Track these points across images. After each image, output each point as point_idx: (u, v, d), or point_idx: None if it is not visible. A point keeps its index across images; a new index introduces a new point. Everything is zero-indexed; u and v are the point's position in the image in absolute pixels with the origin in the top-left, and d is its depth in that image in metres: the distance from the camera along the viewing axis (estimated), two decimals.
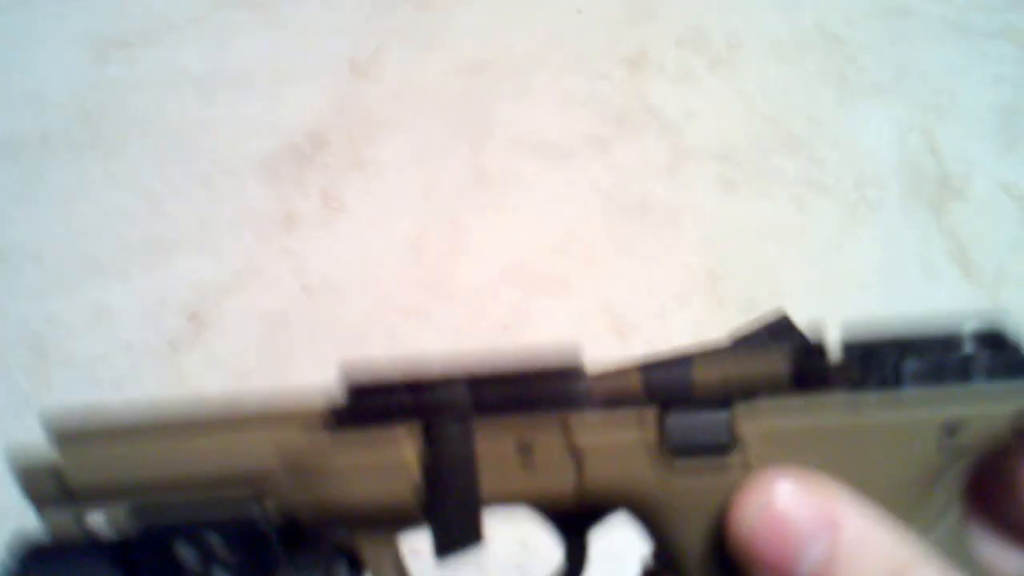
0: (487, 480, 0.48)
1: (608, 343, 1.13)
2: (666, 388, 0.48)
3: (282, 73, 1.29)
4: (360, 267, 1.16)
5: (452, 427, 0.48)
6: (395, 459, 0.49)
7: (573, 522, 0.52)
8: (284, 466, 0.50)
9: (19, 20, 1.32)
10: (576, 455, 0.48)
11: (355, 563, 0.53)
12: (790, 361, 0.48)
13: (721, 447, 0.46)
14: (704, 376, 0.48)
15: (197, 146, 1.23)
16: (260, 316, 1.12)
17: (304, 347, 1.10)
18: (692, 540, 0.49)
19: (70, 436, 0.53)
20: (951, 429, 0.45)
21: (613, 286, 1.16)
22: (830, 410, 0.46)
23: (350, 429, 0.49)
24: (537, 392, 0.49)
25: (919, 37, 1.38)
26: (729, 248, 1.19)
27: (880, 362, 0.46)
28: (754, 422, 0.46)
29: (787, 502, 0.44)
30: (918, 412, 0.46)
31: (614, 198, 1.23)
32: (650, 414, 0.47)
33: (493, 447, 0.48)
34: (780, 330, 0.57)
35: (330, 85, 1.29)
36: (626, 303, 1.14)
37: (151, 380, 1.06)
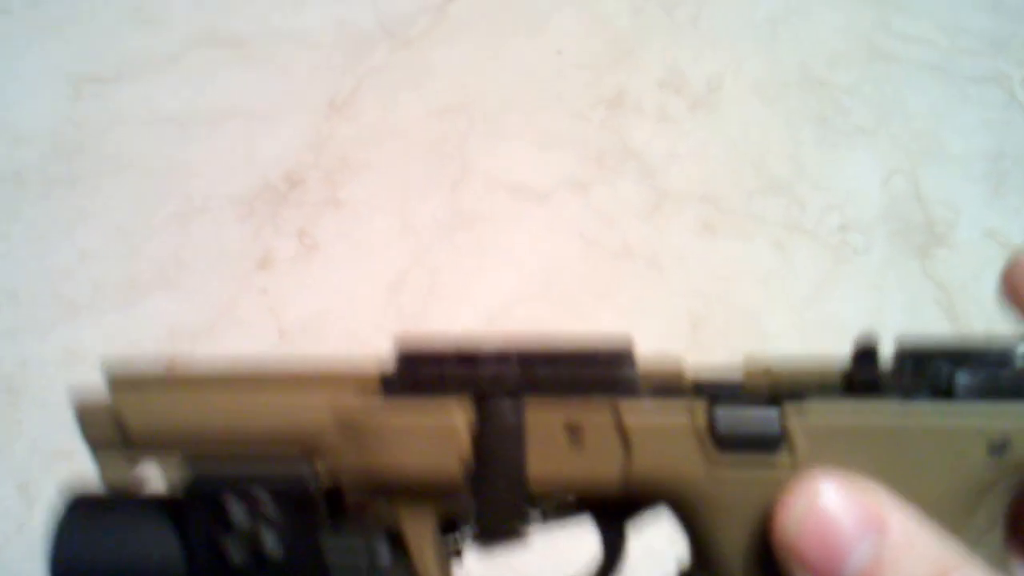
0: (534, 458, 0.49)
1: None
2: (715, 384, 0.49)
3: (259, 112, 1.28)
4: (337, 309, 1.15)
5: (504, 401, 0.49)
6: (447, 429, 0.49)
7: (613, 513, 0.53)
8: (337, 427, 0.50)
9: None
10: (625, 438, 0.48)
11: (396, 540, 0.53)
12: (842, 367, 0.48)
13: (769, 442, 0.47)
14: (753, 377, 0.49)
15: (173, 184, 1.22)
16: (234, 360, 1.10)
17: None
18: (734, 538, 0.48)
19: (129, 383, 0.54)
20: (1000, 445, 0.45)
21: (593, 333, 1.14)
22: (880, 414, 0.46)
23: (404, 396, 0.49)
24: (589, 374, 0.49)
25: (903, 80, 1.37)
26: (710, 293, 1.18)
27: (934, 373, 0.46)
28: (803, 421, 0.46)
29: (833, 503, 0.44)
30: (968, 423, 0.45)
31: (594, 241, 1.22)
32: (700, 404, 0.47)
33: (543, 425, 0.48)
34: None
35: (307, 124, 1.28)
36: None
37: None
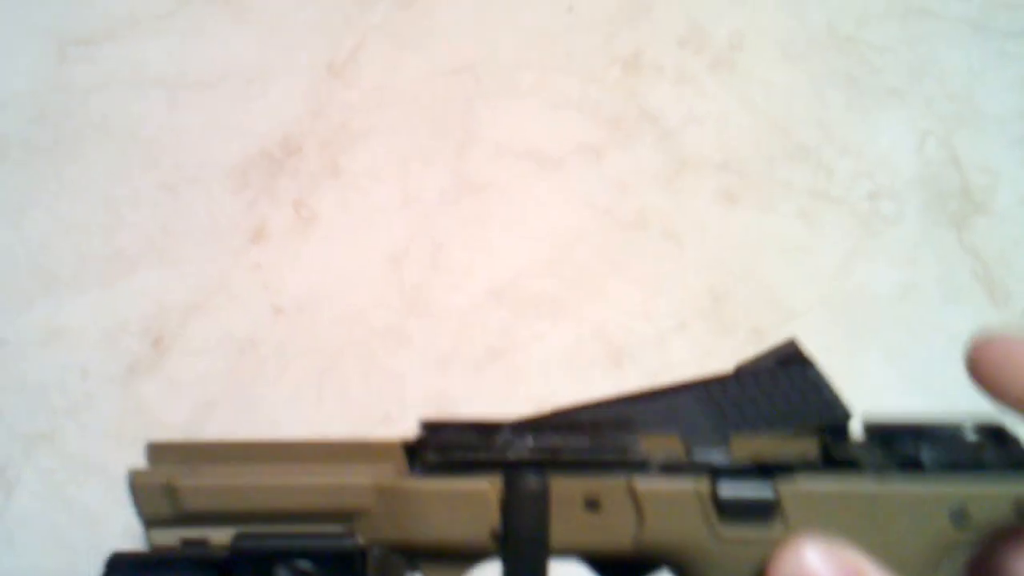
0: (556, 525, 0.53)
1: (604, 372, 1.08)
2: (708, 460, 0.54)
3: (253, 74, 1.23)
4: (335, 285, 1.11)
5: (531, 479, 0.53)
6: (479, 498, 0.54)
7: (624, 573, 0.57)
8: (377, 500, 0.55)
9: None
10: (639, 507, 0.53)
11: None
12: (819, 443, 0.53)
13: (765, 509, 0.51)
14: (741, 453, 0.54)
15: (162, 151, 1.17)
16: (227, 339, 1.07)
17: (274, 373, 1.04)
18: None
19: (180, 461, 0.59)
20: (960, 512, 0.51)
21: (608, 309, 1.12)
22: (858, 484, 0.51)
23: (441, 475, 0.55)
24: (605, 451, 0.54)
25: (936, 38, 1.31)
26: (732, 267, 1.14)
27: (901, 447, 0.52)
28: (793, 490, 0.52)
29: (816, 562, 0.48)
30: (933, 493, 0.51)
31: (608, 211, 1.17)
32: (704, 477, 0.53)
33: (564, 495, 0.53)
34: (789, 359, 0.69)
35: (304, 87, 1.23)
36: (622, 328, 1.10)
37: (108, 408, 1.02)
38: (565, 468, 0.54)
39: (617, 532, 0.54)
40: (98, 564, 0.90)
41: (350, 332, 1.08)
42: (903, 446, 0.52)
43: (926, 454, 0.52)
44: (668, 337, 1.09)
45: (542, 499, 0.54)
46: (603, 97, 1.25)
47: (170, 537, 0.59)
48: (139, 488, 0.59)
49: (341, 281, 1.11)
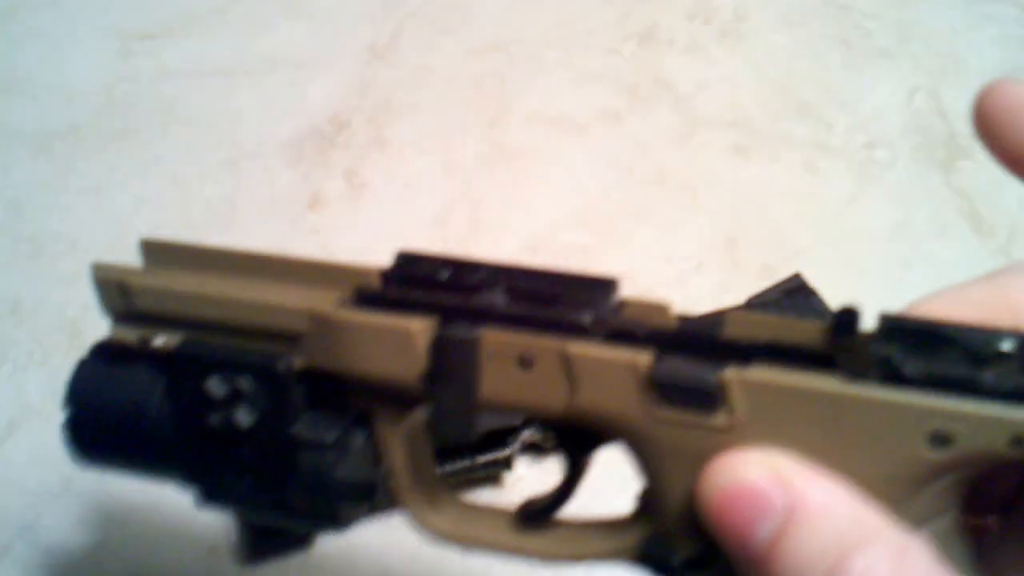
0: (487, 382, 0.53)
1: None
2: (692, 335, 0.50)
3: (303, 60, 1.33)
4: (386, 245, 1.16)
5: (460, 328, 0.53)
6: (407, 346, 0.54)
7: (578, 441, 0.57)
8: (313, 330, 0.56)
9: (47, 20, 1.36)
10: (570, 372, 0.51)
11: (371, 435, 0.60)
12: (826, 333, 0.47)
13: (706, 398, 0.48)
14: (733, 333, 0.49)
15: (223, 133, 1.26)
16: None
17: None
18: (674, 486, 0.50)
19: (159, 257, 0.63)
20: (943, 437, 0.44)
21: (633, 254, 1.18)
22: (822, 382, 0.46)
23: (376, 308, 0.55)
24: (548, 314, 0.52)
25: (922, 2, 1.42)
26: (744, 213, 1.22)
27: (886, 356, 0.45)
28: (743, 379, 0.47)
29: (753, 474, 0.45)
30: (909, 405, 0.45)
31: (630, 169, 1.26)
32: (647, 352, 0.50)
33: (497, 351, 0.52)
34: (795, 291, 0.65)
35: (350, 70, 1.32)
36: (646, 270, 1.16)
37: None
38: (501, 322, 0.53)
39: (548, 395, 0.52)
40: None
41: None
42: (909, 349, 0.45)
43: (914, 362, 0.45)
44: (687, 277, 1.16)
45: (470, 349, 0.53)
46: (621, 68, 1.35)
47: (131, 334, 0.63)
48: (98, 281, 0.63)
49: (392, 241, 1.15)
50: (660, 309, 0.52)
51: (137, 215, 1.19)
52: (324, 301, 0.56)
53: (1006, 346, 0.43)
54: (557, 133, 1.29)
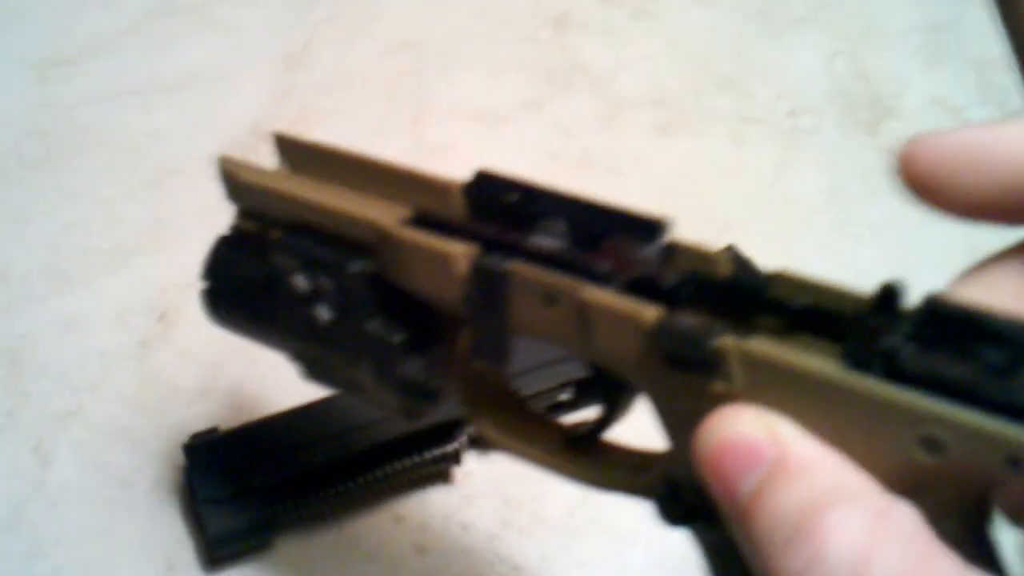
0: (517, 312, 0.56)
1: None
2: (733, 288, 0.51)
3: (219, 73, 1.32)
4: None
5: (491, 259, 0.56)
6: (450, 269, 0.58)
7: (613, 382, 0.60)
8: (379, 242, 0.61)
9: None
10: (584, 317, 0.53)
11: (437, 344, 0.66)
12: (864, 310, 0.46)
13: (704, 361, 0.47)
14: (776, 292, 0.49)
15: (144, 152, 1.25)
16: None
17: None
18: (678, 443, 0.52)
19: (286, 154, 0.73)
20: (932, 444, 0.41)
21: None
22: (822, 365, 0.44)
23: (430, 230, 0.60)
24: (579, 259, 0.54)
25: None
26: (673, 190, 1.22)
27: (890, 348, 0.43)
28: (743, 349, 0.47)
29: (743, 428, 0.45)
30: (898, 409, 0.42)
31: (556, 155, 1.25)
32: (657, 309, 0.50)
33: (527, 286, 0.55)
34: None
35: (267, 79, 1.31)
36: None
37: (126, 380, 1.08)
38: (532, 258, 0.55)
39: (569, 335, 0.54)
40: (131, 518, 0.99)
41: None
42: (936, 339, 0.42)
43: (920, 358, 0.42)
44: None
45: (502, 280, 0.55)
46: (539, 56, 1.35)
47: (250, 225, 0.72)
48: (219, 174, 0.74)
49: None
50: (709, 257, 0.53)
51: (65, 240, 1.18)
52: (390, 216, 0.61)
53: None
54: (479, 125, 1.28)
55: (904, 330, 0.43)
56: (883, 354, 0.43)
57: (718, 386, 0.48)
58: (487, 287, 0.56)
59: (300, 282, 0.66)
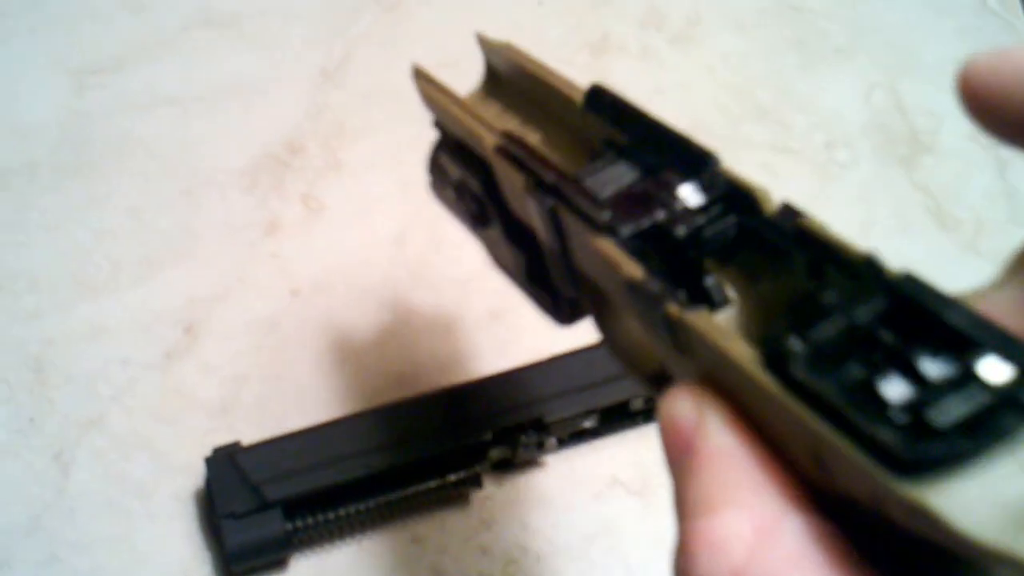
0: (573, 246, 0.59)
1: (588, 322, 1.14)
2: (761, 232, 0.53)
3: (255, 86, 1.31)
4: (344, 266, 1.18)
5: (543, 198, 0.59)
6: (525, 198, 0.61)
7: None
8: (490, 158, 0.67)
9: None
10: (593, 259, 0.54)
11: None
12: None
13: (664, 327, 0.46)
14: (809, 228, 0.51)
15: (178, 163, 1.25)
16: (251, 322, 1.13)
17: (295, 349, 1.11)
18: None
19: (491, 55, 0.87)
20: (819, 461, 0.37)
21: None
22: (734, 348, 0.41)
23: (505, 154, 0.64)
24: (597, 208, 0.54)
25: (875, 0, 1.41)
26: None
27: (784, 348, 0.39)
28: (683, 322, 0.45)
29: (676, 411, 0.45)
30: (787, 413, 0.38)
31: None
32: (638, 265, 0.49)
33: (573, 227, 0.57)
34: None
35: (302, 94, 1.31)
36: None
37: (149, 391, 1.08)
38: (568, 205, 0.56)
39: (589, 270, 0.57)
40: (149, 529, 0.99)
41: (361, 307, 1.15)
42: (780, 340, 0.39)
43: (810, 365, 0.37)
44: None
45: (552, 218, 0.58)
46: (576, 77, 1.34)
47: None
48: (414, 82, 0.86)
49: (350, 262, 1.18)
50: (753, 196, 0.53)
51: (96, 249, 1.18)
52: (490, 137, 0.67)
53: (990, 371, 0.34)
54: None
55: (860, 310, 0.40)
56: (770, 351, 0.39)
57: (681, 349, 0.46)
58: (544, 222, 0.60)
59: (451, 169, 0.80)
